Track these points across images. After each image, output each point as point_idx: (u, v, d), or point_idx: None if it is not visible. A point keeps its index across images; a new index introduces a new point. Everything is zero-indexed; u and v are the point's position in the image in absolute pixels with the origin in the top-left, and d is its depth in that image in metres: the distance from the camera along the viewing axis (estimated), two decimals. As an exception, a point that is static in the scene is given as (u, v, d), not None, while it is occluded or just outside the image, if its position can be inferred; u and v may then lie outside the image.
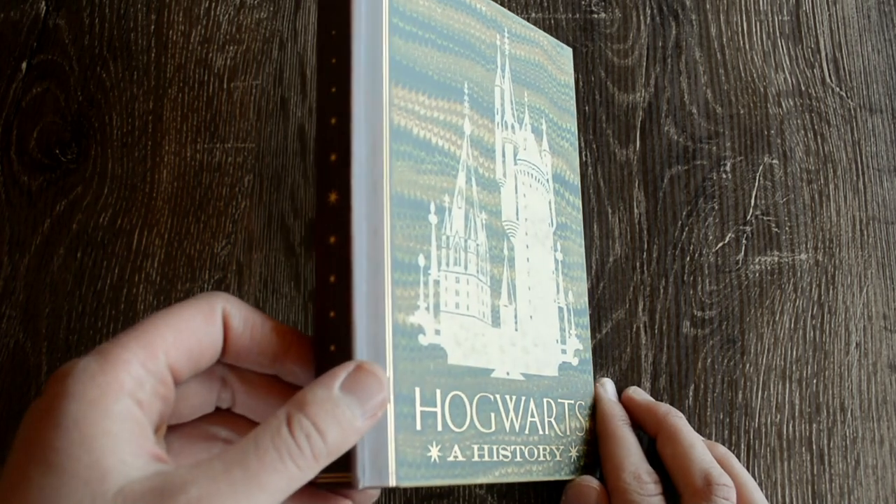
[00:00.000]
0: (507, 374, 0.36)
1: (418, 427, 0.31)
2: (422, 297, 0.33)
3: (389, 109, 0.33)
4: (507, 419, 0.35)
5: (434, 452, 0.31)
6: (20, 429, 0.25)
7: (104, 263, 0.44)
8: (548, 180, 0.41)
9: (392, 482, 0.29)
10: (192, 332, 0.27)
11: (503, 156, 0.39)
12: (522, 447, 0.36)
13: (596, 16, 0.50)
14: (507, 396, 0.35)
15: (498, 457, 0.34)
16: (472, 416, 0.33)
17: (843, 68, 0.49)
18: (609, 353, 0.43)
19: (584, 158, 0.47)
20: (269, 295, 0.44)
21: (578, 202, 0.44)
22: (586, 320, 0.42)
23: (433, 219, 0.34)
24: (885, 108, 0.49)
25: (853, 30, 0.50)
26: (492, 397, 0.35)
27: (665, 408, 0.40)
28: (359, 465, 0.28)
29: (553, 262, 0.40)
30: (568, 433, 0.38)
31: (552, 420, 0.38)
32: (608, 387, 0.42)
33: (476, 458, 0.33)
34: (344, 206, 0.31)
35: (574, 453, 0.38)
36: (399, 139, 0.33)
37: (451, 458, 0.32)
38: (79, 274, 0.44)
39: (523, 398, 0.36)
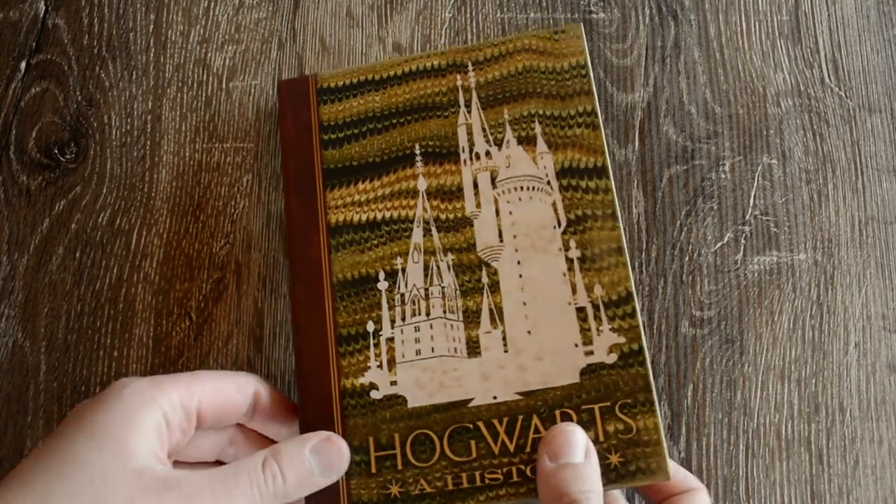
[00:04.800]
0: (495, 398, 0.37)
1: (373, 470, 0.36)
2: (372, 358, 0.38)
3: (325, 213, 0.40)
4: (497, 443, 0.36)
5: (394, 489, 0.36)
6: (72, 411, 0.32)
7: (103, 263, 0.44)
8: (548, 183, 0.41)
9: None
10: (223, 393, 0.35)
11: (475, 188, 0.41)
12: (522, 466, 0.36)
13: (595, 16, 0.50)
14: (495, 420, 0.36)
15: (483, 482, 0.36)
16: (444, 449, 0.36)
17: (843, 68, 0.49)
18: (608, 353, 0.44)
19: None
20: (267, 295, 0.44)
21: (606, 183, 0.40)
22: (631, 308, 0.38)
23: (383, 285, 0.39)
24: (884, 108, 0.48)
25: (852, 30, 0.50)
26: (471, 426, 0.37)
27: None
28: None
29: (563, 263, 0.39)
30: (601, 439, 0.36)
31: None
32: None
33: (451, 487, 0.36)
34: (292, 296, 0.39)
35: (615, 459, 0.35)
36: (338, 234, 0.40)
37: (416, 492, 0.36)
38: (77, 273, 0.44)
39: (520, 417, 0.36)
